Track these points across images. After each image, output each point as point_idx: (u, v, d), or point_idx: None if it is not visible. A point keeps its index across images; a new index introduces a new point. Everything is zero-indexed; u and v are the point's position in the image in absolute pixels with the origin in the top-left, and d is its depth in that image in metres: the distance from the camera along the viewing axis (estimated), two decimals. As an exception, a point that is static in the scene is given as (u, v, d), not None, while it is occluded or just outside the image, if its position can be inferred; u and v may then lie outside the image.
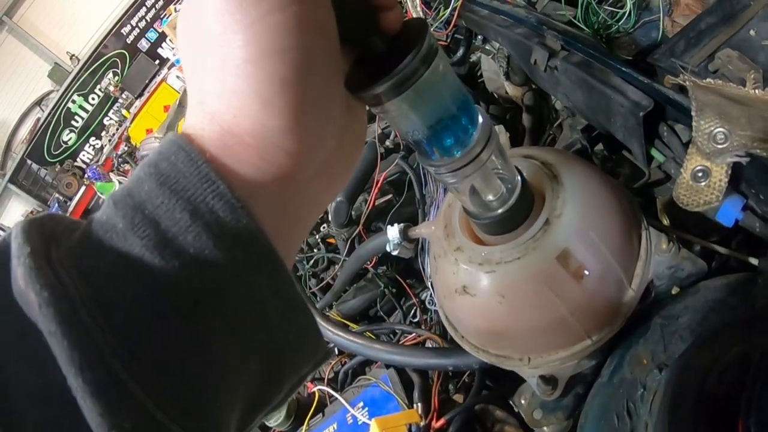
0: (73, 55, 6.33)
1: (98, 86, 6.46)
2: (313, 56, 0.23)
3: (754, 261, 0.53)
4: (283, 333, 0.24)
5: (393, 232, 0.66)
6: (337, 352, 1.03)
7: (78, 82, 6.27)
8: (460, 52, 1.05)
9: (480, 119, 0.37)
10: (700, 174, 0.43)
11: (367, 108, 0.31)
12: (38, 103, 6.46)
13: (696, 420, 0.37)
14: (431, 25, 1.02)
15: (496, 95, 1.06)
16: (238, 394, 0.23)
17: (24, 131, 6.48)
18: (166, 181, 0.22)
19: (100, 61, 6.27)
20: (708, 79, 0.50)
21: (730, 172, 0.42)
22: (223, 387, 0.22)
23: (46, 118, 6.19)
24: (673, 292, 0.53)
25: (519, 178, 0.46)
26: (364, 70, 0.29)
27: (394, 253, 0.68)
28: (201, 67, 0.23)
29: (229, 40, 0.22)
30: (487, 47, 1.02)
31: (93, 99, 6.51)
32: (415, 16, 1.05)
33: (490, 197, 0.46)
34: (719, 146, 0.41)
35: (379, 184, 1.03)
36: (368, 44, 0.28)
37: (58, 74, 6.33)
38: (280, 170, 0.24)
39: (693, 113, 0.43)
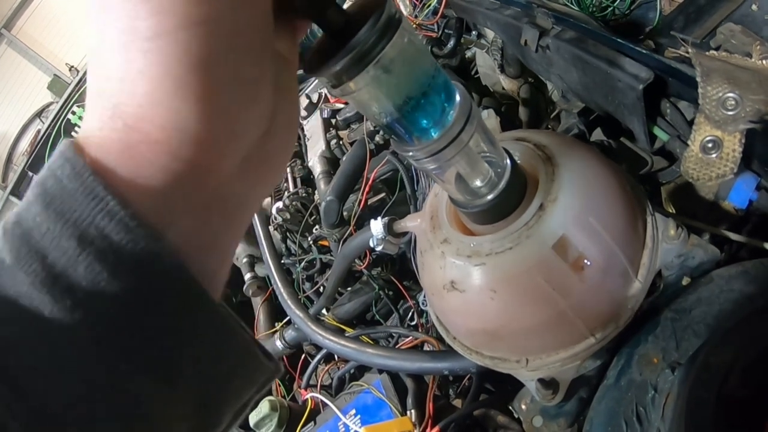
0: (72, 66, 6.34)
1: (98, 97, 6.44)
2: (235, 29, 0.20)
3: (771, 246, 0.48)
4: (210, 361, 0.22)
5: (376, 226, 0.62)
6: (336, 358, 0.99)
7: (78, 94, 6.27)
8: (451, 42, 1.01)
9: (457, 96, 0.33)
10: (710, 145, 0.39)
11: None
12: (38, 115, 6.47)
13: (716, 425, 0.33)
14: (418, 15, 0.99)
15: (492, 91, 1.02)
16: (170, 430, 0.21)
17: (25, 143, 6.48)
18: (51, 202, 0.19)
19: (99, 72, 6.26)
20: (712, 51, 0.45)
21: (743, 141, 0.37)
22: (148, 427, 0.20)
23: (47, 130, 6.18)
24: (684, 282, 0.48)
25: (508, 160, 0.41)
26: (325, 50, 0.26)
27: (378, 248, 0.64)
28: (102, 46, 0.19)
29: (136, 9, 0.18)
30: (482, 41, 0.98)
31: (93, 110, 6.48)
32: (401, 6, 1.01)
33: (478, 182, 0.42)
34: (730, 113, 0.36)
35: (370, 183, 0.99)
36: (325, 20, 0.25)
37: (57, 86, 6.34)
38: (197, 168, 0.20)
39: (698, 79, 0.38)
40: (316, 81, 1.39)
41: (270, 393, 1.14)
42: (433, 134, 0.33)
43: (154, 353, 0.20)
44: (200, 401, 0.22)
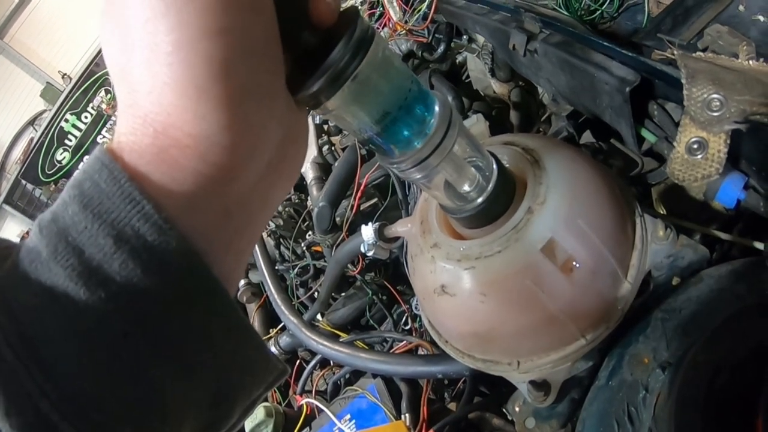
0: (65, 74, 6.33)
1: (91, 104, 6.43)
2: (250, 37, 0.21)
3: (759, 245, 0.49)
4: (227, 357, 0.23)
5: (367, 231, 0.62)
6: (331, 363, 0.99)
7: (70, 101, 6.25)
8: (442, 47, 1.02)
9: (437, 106, 0.33)
10: (695, 146, 0.39)
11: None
12: (31, 122, 6.45)
13: (706, 423, 0.33)
14: (408, 21, 0.99)
15: (483, 95, 1.03)
16: (184, 422, 0.22)
17: (17, 151, 6.47)
18: (89, 203, 0.20)
19: (92, 79, 6.25)
20: (698, 53, 0.46)
21: (729, 142, 0.38)
22: (164, 417, 0.21)
23: (40, 138, 6.16)
24: (674, 283, 0.49)
25: (494, 163, 0.42)
26: (302, 71, 0.26)
27: (369, 254, 0.64)
28: (128, 64, 0.21)
29: (158, 26, 0.20)
30: (472, 46, 0.99)
31: (86, 117, 6.48)
32: (391, 12, 1.02)
33: (466, 187, 0.42)
34: (715, 114, 0.37)
35: (362, 188, 0.99)
36: (300, 42, 0.26)
37: (50, 93, 6.32)
38: (224, 171, 0.22)
39: (683, 80, 0.39)
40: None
41: (265, 399, 1.14)
42: (416, 144, 0.33)
43: (177, 345, 0.21)
44: (214, 395, 0.23)
